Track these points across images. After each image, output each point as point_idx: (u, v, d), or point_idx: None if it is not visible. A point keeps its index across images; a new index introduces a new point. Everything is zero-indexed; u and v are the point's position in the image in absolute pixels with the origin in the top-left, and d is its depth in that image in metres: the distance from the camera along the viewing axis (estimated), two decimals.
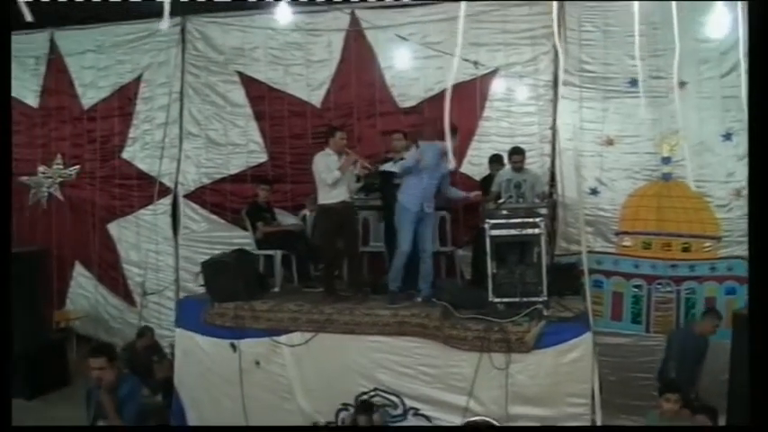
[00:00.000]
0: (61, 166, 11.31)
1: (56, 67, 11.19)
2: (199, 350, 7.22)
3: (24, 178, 11.51)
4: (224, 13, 9.82)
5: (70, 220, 11.21)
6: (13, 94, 11.39)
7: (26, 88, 11.47)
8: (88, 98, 11.02)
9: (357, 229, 7.60)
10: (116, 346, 9.91)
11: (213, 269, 7.43)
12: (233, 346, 6.99)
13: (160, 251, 10.50)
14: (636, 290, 8.45)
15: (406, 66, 9.08)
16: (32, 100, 11.43)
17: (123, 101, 10.76)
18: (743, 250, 7.82)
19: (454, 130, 7.08)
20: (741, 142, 7.78)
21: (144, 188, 10.58)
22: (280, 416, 6.89)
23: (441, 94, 8.94)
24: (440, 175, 7.07)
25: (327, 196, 7.21)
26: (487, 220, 6.77)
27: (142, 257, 10.61)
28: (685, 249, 8.25)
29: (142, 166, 10.63)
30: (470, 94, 8.90)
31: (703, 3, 7.55)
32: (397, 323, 6.57)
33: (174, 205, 10.39)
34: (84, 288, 11.19)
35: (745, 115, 6.57)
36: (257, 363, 6.95)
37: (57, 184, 11.29)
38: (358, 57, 9.39)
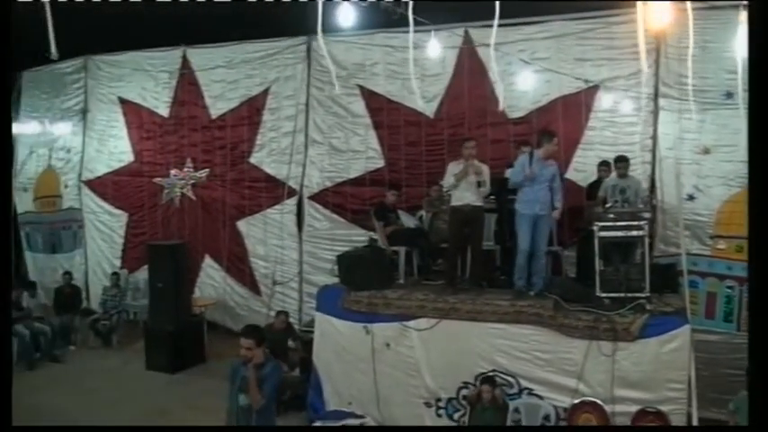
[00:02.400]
0: (192, 169, 12.59)
1: (187, 80, 12.50)
2: (335, 332, 8.22)
3: (158, 180, 12.86)
4: (347, 32, 10.81)
5: (201, 218, 12.50)
6: (146, 104, 12.93)
7: (158, 100, 12.93)
8: (217, 108, 12.28)
9: (481, 229, 8.36)
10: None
11: (349, 262, 8.44)
12: (366, 328, 7.97)
13: (285, 246, 11.63)
14: (729, 290, 8.94)
15: (516, 79, 9.77)
16: (164, 110, 12.86)
17: (251, 111, 11.94)
18: None
19: (552, 135, 7.92)
20: None
21: (271, 190, 11.73)
22: (407, 390, 7.85)
23: (548, 106, 9.76)
24: (546, 179, 7.83)
25: (454, 198, 8.15)
26: (596, 223, 7.53)
27: (269, 252, 11.78)
28: None
29: (269, 170, 11.77)
30: (576, 106, 9.60)
31: None
32: (515, 312, 7.42)
33: (299, 205, 11.49)
34: (212, 278, 12.45)
35: None
36: (387, 344, 7.89)
37: (189, 185, 12.56)
38: (470, 71, 10.17)
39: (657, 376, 6.91)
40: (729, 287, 8.93)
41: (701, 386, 7.01)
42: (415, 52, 10.28)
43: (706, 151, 9.01)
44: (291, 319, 10.51)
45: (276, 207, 11.66)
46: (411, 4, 4.98)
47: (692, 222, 8.98)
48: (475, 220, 8.17)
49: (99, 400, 9.19)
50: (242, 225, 12.05)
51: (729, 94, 8.52)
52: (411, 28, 5.43)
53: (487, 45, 9.82)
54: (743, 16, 6.09)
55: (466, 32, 10.13)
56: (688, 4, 5.67)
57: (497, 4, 5.11)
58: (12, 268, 5.48)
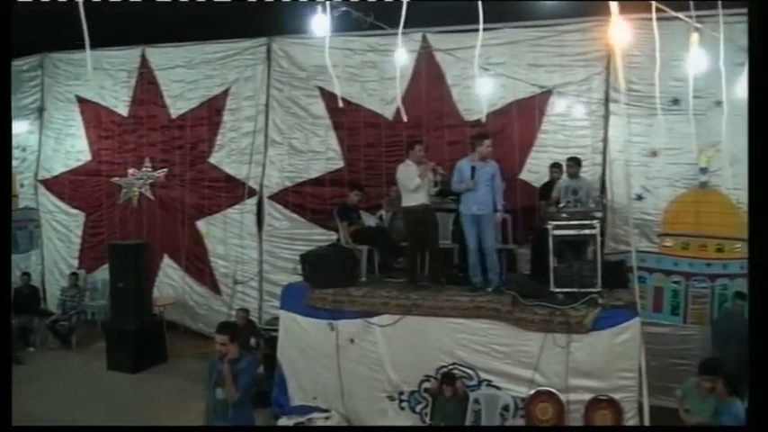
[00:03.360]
0: (150, 169, 12.62)
1: (146, 79, 12.51)
2: (300, 329, 8.40)
3: (116, 179, 12.86)
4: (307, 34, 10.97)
5: (159, 218, 12.54)
6: (105, 104, 12.90)
7: (117, 99, 12.88)
8: (176, 108, 12.33)
9: (436, 228, 8.66)
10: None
11: (313, 260, 8.65)
12: (330, 325, 8.18)
13: (245, 246, 11.77)
14: (675, 285, 9.46)
15: (471, 83, 10.06)
16: (123, 109, 12.83)
17: (211, 111, 12.02)
18: None
19: (484, 137, 8.34)
20: None
21: (231, 190, 11.85)
22: (370, 384, 8.09)
23: (503, 109, 10.08)
24: (485, 180, 8.19)
25: (409, 200, 8.39)
26: (551, 222, 7.91)
27: (228, 251, 11.90)
28: (719, 250, 9.25)
29: (229, 170, 11.88)
30: (530, 110, 9.96)
31: (740, 30, 8.53)
32: (475, 307, 7.74)
33: (259, 205, 11.63)
34: (170, 278, 12.50)
35: None
36: (351, 340, 8.11)
37: (147, 185, 12.59)
38: (427, 75, 10.42)
39: (609, 366, 7.30)
40: (676, 282, 9.43)
41: (649, 376, 7.39)
42: (373, 55, 10.64)
43: (654, 154, 9.49)
44: (252, 318, 10.69)
45: (236, 207, 11.78)
46: (405, 3, 5.04)
47: (641, 221, 9.44)
48: (429, 220, 8.48)
49: (65, 400, 9.21)
50: (201, 225, 12.13)
51: (676, 101, 8.97)
52: (400, 29, 5.55)
53: (444, 50, 10.26)
54: (694, 38, 6.33)
55: (424, 37, 10.39)
56: (654, 16, 5.99)
57: (480, 5, 5.23)
58: (11, 269, 5.45)
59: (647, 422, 7.05)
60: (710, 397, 6.60)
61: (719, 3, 6.22)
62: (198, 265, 12.20)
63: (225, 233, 11.92)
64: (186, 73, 12.16)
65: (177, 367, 10.72)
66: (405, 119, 7.53)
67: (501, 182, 8.41)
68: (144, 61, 12.46)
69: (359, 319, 8.10)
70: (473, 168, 8.17)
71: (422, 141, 9.00)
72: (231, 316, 10.91)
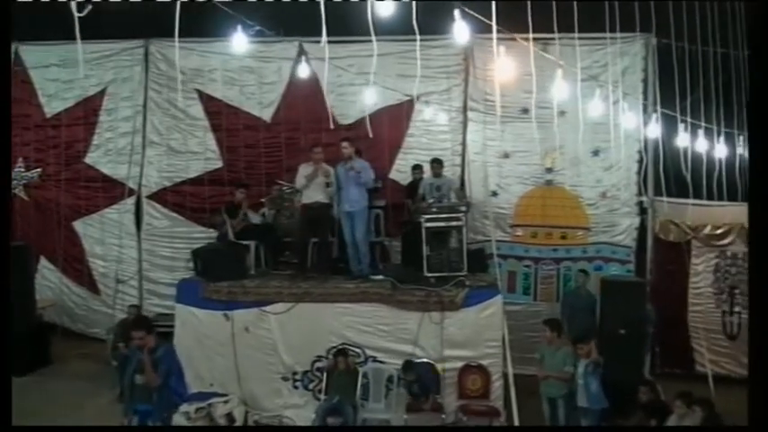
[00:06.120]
0: (23, 169, 12.45)
1: (19, 78, 12.21)
2: (195, 320, 8.91)
3: None
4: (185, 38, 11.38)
5: (34, 219, 12.41)
6: None
7: None
8: (52, 108, 12.26)
9: (327, 223, 9.47)
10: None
11: (206, 256, 9.23)
12: (226, 315, 8.76)
13: (124, 245, 11.95)
14: (526, 269, 10.92)
15: (345, 90, 11.02)
16: None
17: (87, 111, 12.09)
18: (607, 237, 10.62)
19: (343, 139, 9.37)
20: (606, 157, 10.47)
21: (108, 190, 12.01)
22: (265, 368, 8.77)
23: (374, 115, 10.89)
24: (354, 181, 9.10)
25: (305, 197, 9.24)
26: (423, 215, 8.99)
27: (107, 251, 12.05)
28: (563, 237, 10.83)
29: (106, 170, 12.03)
30: (398, 115, 11.01)
31: (583, 52, 9.93)
32: (360, 293, 8.71)
33: (138, 205, 11.88)
34: (48, 279, 12.40)
35: (610, 136, 8.99)
36: (246, 328, 8.75)
37: (20, 185, 12.41)
38: (304, 81, 11.05)
39: (478, 337, 8.48)
40: (526, 266, 10.90)
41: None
42: (251, 61, 11.23)
43: (506, 156, 10.88)
44: None
45: (114, 207, 11.94)
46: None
47: (496, 214, 10.81)
48: (323, 216, 9.30)
49: None
50: (78, 225, 12.17)
51: (525, 110, 10.23)
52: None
53: (319, 58, 10.98)
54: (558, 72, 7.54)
55: (300, 45, 11.10)
56: (530, 36, 7.02)
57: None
58: (10, 270, 5.52)
59: (511, 385, 8.24)
60: (559, 351, 7.95)
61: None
62: (75, 265, 12.24)
63: (103, 233, 12.05)
64: (61, 72, 12.08)
65: (62, 368, 10.84)
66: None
67: (372, 176, 9.32)
68: (17, 59, 12.18)
69: (254, 308, 8.76)
70: (344, 171, 9.11)
71: (319, 144, 9.67)
72: (113, 315, 11.20)
